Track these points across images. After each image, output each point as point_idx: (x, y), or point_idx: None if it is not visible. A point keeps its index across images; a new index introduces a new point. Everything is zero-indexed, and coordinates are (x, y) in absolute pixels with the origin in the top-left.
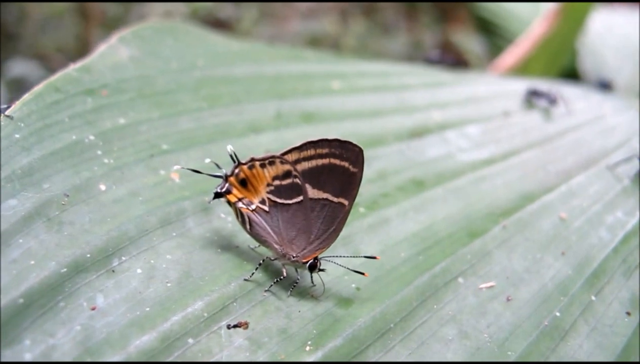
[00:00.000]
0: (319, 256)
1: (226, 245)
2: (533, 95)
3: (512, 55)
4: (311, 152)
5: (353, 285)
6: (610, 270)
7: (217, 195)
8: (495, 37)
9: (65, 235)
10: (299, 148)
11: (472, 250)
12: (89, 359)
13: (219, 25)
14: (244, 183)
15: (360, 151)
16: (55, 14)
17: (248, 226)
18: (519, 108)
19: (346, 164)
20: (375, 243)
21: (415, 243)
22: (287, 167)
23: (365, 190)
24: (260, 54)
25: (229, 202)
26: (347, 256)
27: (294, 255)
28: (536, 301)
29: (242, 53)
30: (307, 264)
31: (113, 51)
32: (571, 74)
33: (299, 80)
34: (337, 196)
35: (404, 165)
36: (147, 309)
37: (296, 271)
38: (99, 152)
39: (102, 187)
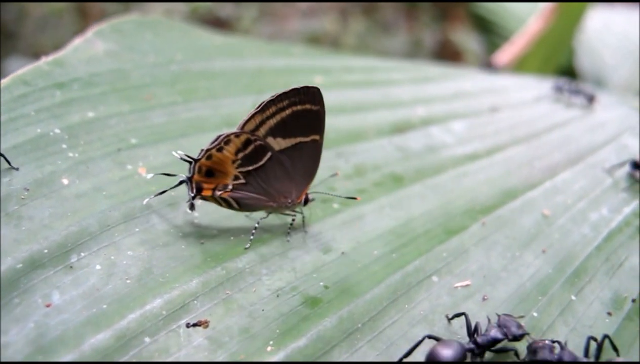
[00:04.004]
0: (308, 191)
1: (191, 242)
2: (561, 91)
3: (507, 52)
4: (272, 109)
5: (321, 283)
6: (592, 269)
7: (194, 198)
8: (492, 35)
9: (23, 229)
10: (261, 111)
11: (449, 248)
12: (40, 358)
13: (219, 24)
14: (210, 173)
15: (317, 90)
16: (54, 13)
17: (236, 206)
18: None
19: (308, 106)
20: (347, 240)
21: (390, 240)
22: (244, 136)
23: (341, 185)
24: (243, 48)
25: (205, 198)
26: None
27: (289, 201)
28: (513, 300)
29: (224, 47)
30: (302, 202)
31: (88, 45)
32: (568, 72)
33: (281, 74)
34: (308, 136)
35: (383, 160)
36: (104, 306)
37: (293, 211)
38: (64, 146)
39: (65, 181)
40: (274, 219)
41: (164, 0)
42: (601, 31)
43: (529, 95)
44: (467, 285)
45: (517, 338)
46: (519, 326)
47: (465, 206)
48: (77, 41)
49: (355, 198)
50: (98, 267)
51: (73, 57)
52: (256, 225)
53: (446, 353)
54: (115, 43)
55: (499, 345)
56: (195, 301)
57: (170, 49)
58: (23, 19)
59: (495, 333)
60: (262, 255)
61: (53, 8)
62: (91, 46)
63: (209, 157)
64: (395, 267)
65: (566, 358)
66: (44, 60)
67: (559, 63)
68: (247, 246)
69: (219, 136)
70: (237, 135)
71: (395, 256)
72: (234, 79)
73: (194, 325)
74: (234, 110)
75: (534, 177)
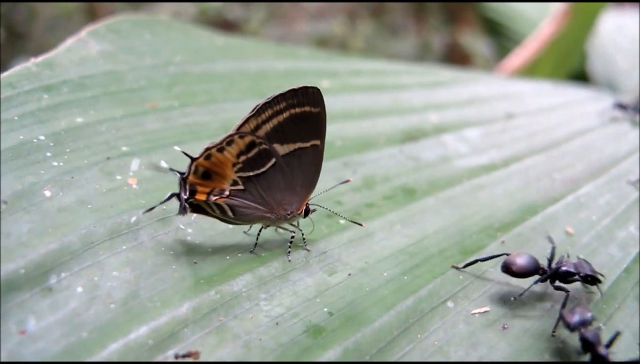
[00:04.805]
0: (309, 201)
1: (183, 261)
2: (620, 108)
3: (519, 56)
4: (268, 112)
5: (325, 309)
6: (621, 294)
7: (187, 201)
8: (503, 38)
9: None
10: (255, 115)
11: (465, 270)
12: None
13: (227, 26)
14: (206, 175)
15: (317, 90)
16: (64, 13)
17: (231, 214)
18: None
19: (307, 108)
20: (355, 260)
21: (401, 260)
22: (249, 138)
23: (348, 199)
24: (246, 49)
25: (198, 207)
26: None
27: (289, 212)
28: (536, 330)
29: (225, 48)
30: (302, 213)
31: (81, 45)
32: (580, 76)
33: (285, 77)
34: (307, 141)
35: (394, 171)
36: (85, 334)
37: (291, 224)
38: (48, 154)
39: (47, 193)
40: (274, 236)
41: (173, 1)
42: (614, 34)
43: (545, 101)
44: (485, 312)
45: (588, 278)
46: (594, 271)
47: (483, 223)
48: (70, 41)
49: (360, 224)
50: (79, 289)
51: (64, 57)
52: (256, 241)
53: (520, 261)
54: (110, 43)
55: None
56: (186, 329)
57: (168, 49)
58: (33, 20)
59: (568, 266)
60: (260, 277)
61: (63, 9)
62: (84, 46)
63: (208, 157)
64: (407, 291)
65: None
66: (33, 61)
67: (572, 67)
68: (252, 249)
69: (225, 136)
70: (241, 136)
71: (406, 278)
72: (236, 82)
73: (183, 356)
74: (234, 115)
75: (555, 191)
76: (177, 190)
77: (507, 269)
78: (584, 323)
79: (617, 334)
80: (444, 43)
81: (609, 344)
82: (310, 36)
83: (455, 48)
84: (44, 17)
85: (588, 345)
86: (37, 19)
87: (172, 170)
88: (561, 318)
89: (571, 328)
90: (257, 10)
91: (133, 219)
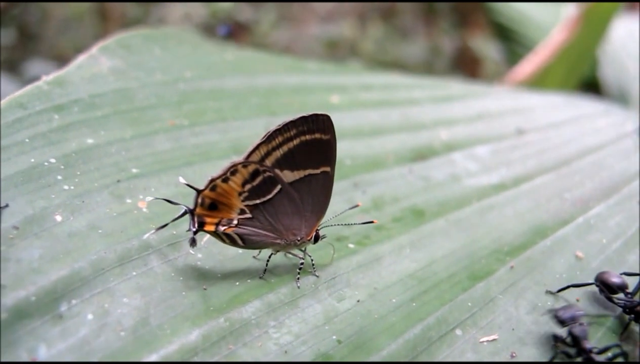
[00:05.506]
0: (318, 227)
1: (193, 287)
2: None
3: (530, 63)
4: (279, 139)
5: (334, 337)
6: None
7: (195, 233)
8: (513, 43)
9: (10, 274)
10: (266, 141)
11: (474, 296)
12: None
13: (238, 27)
14: (213, 206)
15: (327, 118)
16: (75, 15)
17: (241, 242)
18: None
19: (317, 135)
20: (364, 286)
21: (410, 286)
22: (252, 167)
23: (357, 221)
24: (256, 64)
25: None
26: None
27: (299, 238)
28: (545, 359)
29: (235, 63)
30: (312, 239)
31: (92, 62)
32: (591, 83)
33: (295, 93)
34: (318, 168)
35: (403, 191)
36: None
37: (301, 250)
38: (59, 177)
39: (58, 218)
40: (283, 261)
41: (183, 1)
42: (625, 40)
43: (556, 116)
44: (493, 340)
45: None
46: None
47: (492, 246)
48: (81, 58)
49: (372, 222)
50: (90, 317)
51: (75, 75)
52: (266, 267)
53: (615, 280)
54: (121, 59)
55: None
56: (195, 358)
57: (179, 65)
58: (45, 21)
59: None
60: (269, 303)
61: (74, 10)
62: (95, 63)
63: (214, 188)
64: (415, 319)
65: None
66: (44, 80)
67: (583, 74)
68: (261, 275)
69: (228, 165)
70: (244, 165)
71: (415, 305)
72: (246, 99)
73: None
74: (244, 134)
75: (565, 212)
76: (190, 205)
77: (598, 277)
78: (574, 319)
79: (615, 346)
80: (454, 46)
81: (601, 351)
82: (320, 39)
83: (466, 52)
84: (56, 18)
85: (575, 339)
86: (50, 20)
87: (188, 186)
88: (555, 314)
89: (561, 321)
90: (267, 12)
91: (145, 236)
